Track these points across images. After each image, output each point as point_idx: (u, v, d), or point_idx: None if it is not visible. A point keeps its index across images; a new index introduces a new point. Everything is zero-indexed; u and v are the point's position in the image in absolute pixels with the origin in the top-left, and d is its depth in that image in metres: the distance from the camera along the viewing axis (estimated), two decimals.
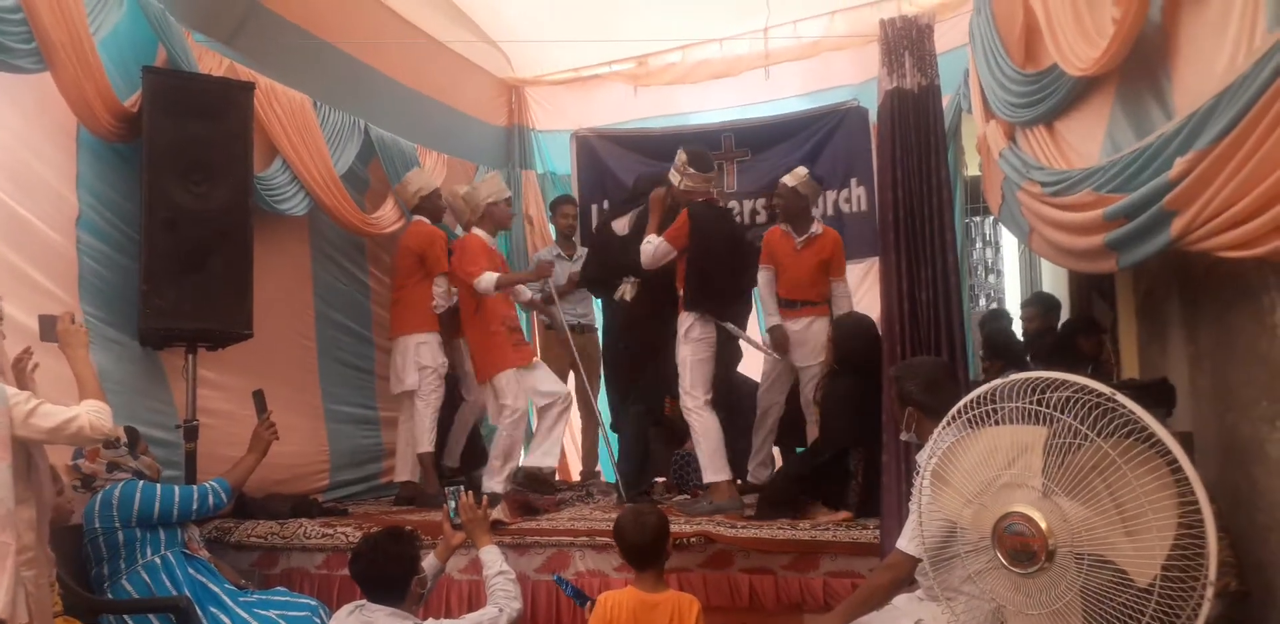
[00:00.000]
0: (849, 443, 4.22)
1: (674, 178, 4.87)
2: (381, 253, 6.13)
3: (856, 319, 4.71)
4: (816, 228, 5.17)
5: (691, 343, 4.68)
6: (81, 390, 2.84)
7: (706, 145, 6.55)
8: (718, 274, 4.70)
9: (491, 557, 3.21)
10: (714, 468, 4.61)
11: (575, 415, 6.54)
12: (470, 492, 3.41)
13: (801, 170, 5.20)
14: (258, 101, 4.67)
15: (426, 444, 5.30)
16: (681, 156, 4.86)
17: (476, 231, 5.21)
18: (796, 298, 5.11)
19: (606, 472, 6.70)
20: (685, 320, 4.69)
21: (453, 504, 3.36)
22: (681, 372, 4.69)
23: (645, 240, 4.81)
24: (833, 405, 4.36)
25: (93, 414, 2.71)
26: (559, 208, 6.48)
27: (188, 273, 4.24)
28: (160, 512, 3.48)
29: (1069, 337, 4.92)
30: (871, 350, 4.42)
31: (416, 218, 5.52)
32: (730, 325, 4.73)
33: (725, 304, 4.78)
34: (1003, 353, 5.36)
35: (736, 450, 5.11)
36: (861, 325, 4.58)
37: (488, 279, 4.95)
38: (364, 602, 2.99)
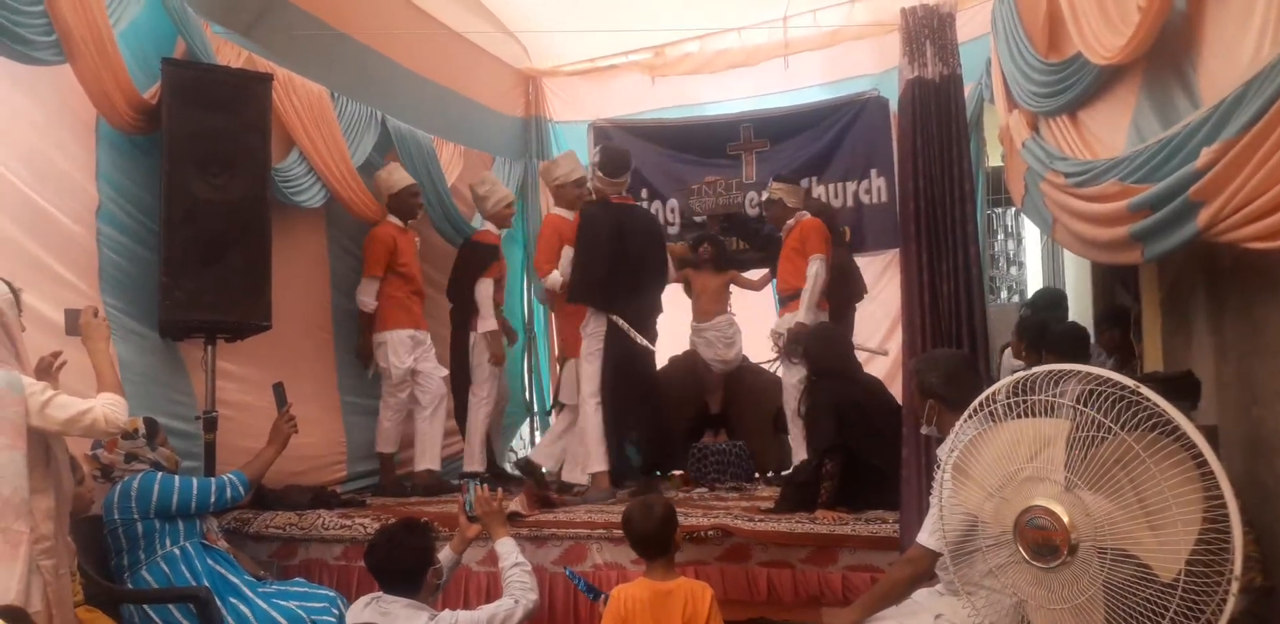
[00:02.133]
0: (828, 447, 4.17)
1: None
2: None
3: (820, 328, 4.81)
4: (793, 220, 5.27)
5: (585, 337, 4.90)
6: (100, 383, 2.86)
7: (725, 135, 6.59)
8: (599, 268, 4.79)
9: (507, 549, 3.22)
10: (593, 460, 4.81)
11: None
12: (486, 484, 3.41)
13: (774, 183, 5.42)
14: (275, 93, 4.68)
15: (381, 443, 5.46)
16: (595, 157, 5.01)
17: (556, 210, 5.29)
18: (784, 292, 5.18)
19: None
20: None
21: (469, 496, 3.36)
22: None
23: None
24: (816, 413, 4.35)
25: (108, 407, 2.72)
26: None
27: (207, 264, 4.26)
28: (178, 503, 3.50)
29: (1078, 328, 4.83)
30: (843, 355, 4.54)
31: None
32: (619, 320, 4.78)
33: (612, 298, 4.81)
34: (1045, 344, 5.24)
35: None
36: (828, 333, 4.71)
37: (555, 277, 5.08)
38: (380, 593, 3.00)
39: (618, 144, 6.72)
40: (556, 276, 5.07)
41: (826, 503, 4.04)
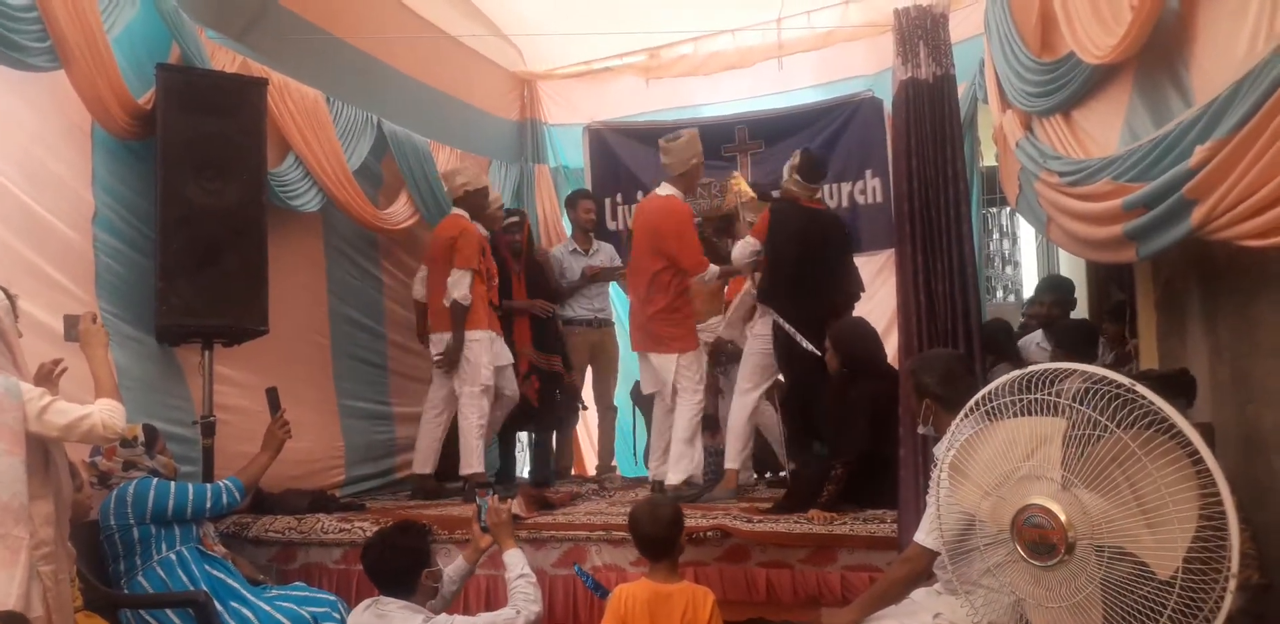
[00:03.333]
0: (864, 448, 4.12)
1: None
2: (395, 248, 6.14)
3: (853, 324, 4.66)
4: None
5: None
6: (98, 389, 2.86)
7: (720, 137, 6.59)
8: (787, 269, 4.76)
9: (514, 560, 3.22)
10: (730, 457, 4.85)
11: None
12: (498, 495, 3.41)
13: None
14: (271, 97, 4.67)
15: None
16: (794, 160, 4.88)
17: (674, 192, 4.89)
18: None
19: (623, 466, 6.71)
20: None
21: (483, 507, 3.36)
22: None
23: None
24: (850, 414, 4.24)
25: (105, 413, 2.72)
26: (578, 202, 6.40)
27: (203, 269, 4.26)
28: (173, 509, 3.50)
29: (1095, 321, 4.85)
30: (876, 351, 4.47)
31: (455, 211, 5.39)
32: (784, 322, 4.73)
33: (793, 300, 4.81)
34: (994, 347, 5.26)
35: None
36: (862, 329, 4.57)
37: (712, 272, 4.86)
38: (379, 597, 3.01)
39: (614, 148, 6.77)
40: (715, 268, 4.86)
41: (825, 504, 4.03)
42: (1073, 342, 4.24)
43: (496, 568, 3.43)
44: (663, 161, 4.97)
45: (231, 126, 4.39)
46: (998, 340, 4.49)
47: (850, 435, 4.17)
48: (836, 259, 4.85)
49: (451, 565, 3.34)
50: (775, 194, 5.34)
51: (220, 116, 4.35)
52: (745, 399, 4.87)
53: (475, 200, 5.37)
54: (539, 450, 6.19)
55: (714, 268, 4.86)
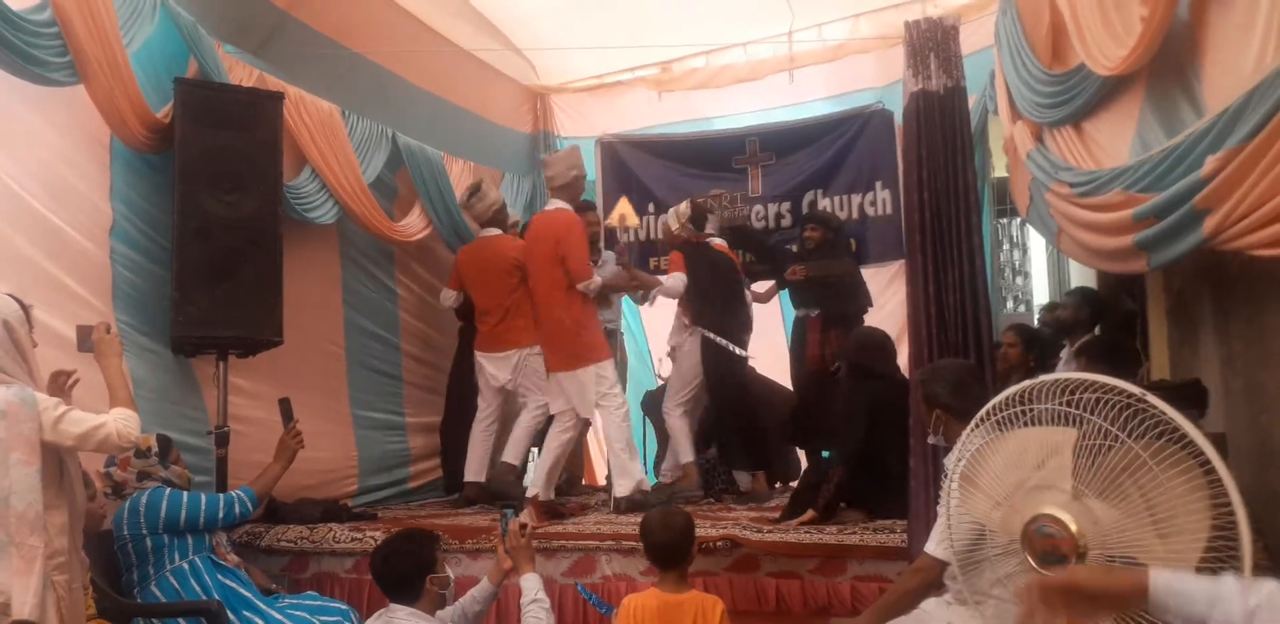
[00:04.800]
0: (858, 450, 4.19)
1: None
2: (410, 260, 6.18)
3: (870, 333, 4.81)
4: None
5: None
6: (112, 399, 2.87)
7: (731, 149, 6.63)
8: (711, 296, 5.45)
9: (530, 584, 3.19)
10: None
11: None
12: (519, 520, 3.40)
13: (681, 207, 5.64)
14: (287, 111, 4.72)
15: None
16: (684, 210, 5.55)
17: (562, 205, 5.03)
18: None
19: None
20: None
21: (505, 527, 3.36)
22: None
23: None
24: (849, 414, 4.34)
25: (120, 422, 2.74)
26: (583, 215, 6.44)
27: (219, 281, 4.29)
28: (186, 519, 3.52)
29: (1115, 335, 4.80)
30: (887, 359, 4.55)
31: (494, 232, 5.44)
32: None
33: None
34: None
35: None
36: (877, 338, 4.69)
37: (598, 280, 4.93)
38: (389, 606, 3.02)
39: (626, 160, 6.80)
40: (599, 280, 4.98)
41: (822, 506, 4.04)
42: (1101, 351, 4.20)
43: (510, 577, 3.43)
44: (545, 175, 5.22)
45: (248, 140, 4.44)
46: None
47: (847, 438, 4.25)
48: (738, 283, 5.61)
49: (476, 587, 3.34)
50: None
51: (237, 130, 4.39)
52: (672, 405, 5.45)
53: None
54: None
55: (597, 279, 4.93)
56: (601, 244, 6.45)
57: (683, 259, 5.40)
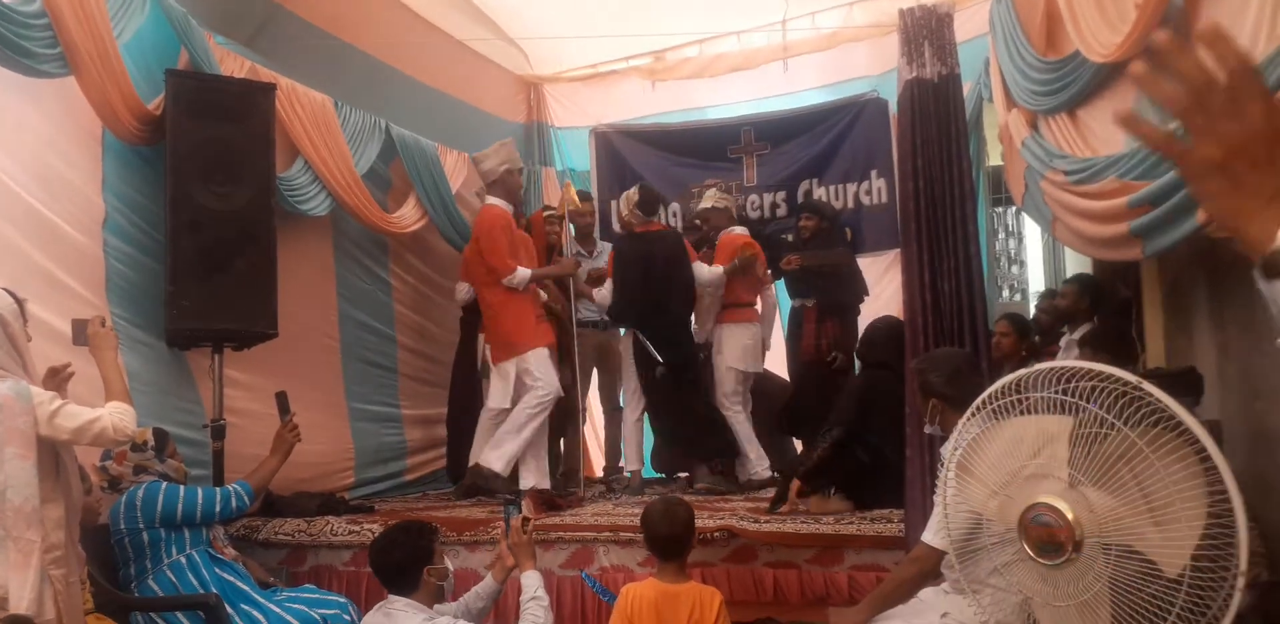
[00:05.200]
0: (839, 428, 4.30)
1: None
2: (404, 251, 6.16)
3: (885, 324, 4.83)
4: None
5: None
6: (108, 393, 2.87)
7: (725, 139, 6.63)
8: (630, 293, 5.44)
9: (531, 581, 3.20)
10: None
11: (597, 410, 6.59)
12: (521, 515, 3.40)
13: (712, 190, 5.79)
14: (279, 103, 4.70)
15: None
16: (634, 195, 5.47)
17: (494, 201, 5.14)
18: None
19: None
20: None
21: (508, 523, 3.37)
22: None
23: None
24: (845, 395, 4.52)
25: (115, 415, 2.74)
26: (551, 221, 6.42)
27: (212, 273, 4.27)
28: (183, 513, 3.51)
29: (1115, 323, 4.79)
30: (898, 351, 4.53)
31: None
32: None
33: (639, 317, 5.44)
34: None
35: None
36: (891, 328, 4.65)
37: (522, 274, 4.96)
38: (389, 597, 3.04)
39: (620, 150, 6.79)
40: (525, 272, 5.01)
41: (803, 474, 4.14)
42: (1103, 341, 4.20)
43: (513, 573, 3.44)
44: (479, 171, 5.32)
45: (240, 131, 4.41)
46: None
47: (838, 414, 4.37)
48: (678, 272, 5.40)
49: (480, 583, 3.35)
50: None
51: (229, 121, 4.37)
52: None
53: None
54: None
55: (523, 272, 4.96)
56: (597, 234, 6.45)
57: (611, 257, 5.53)
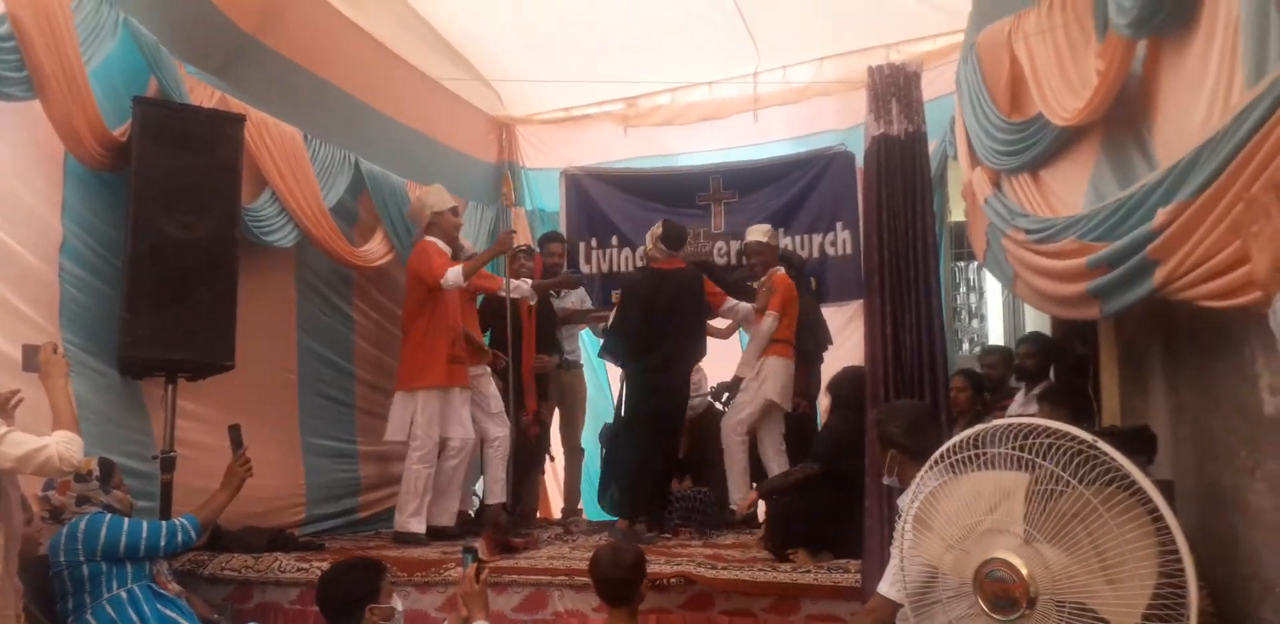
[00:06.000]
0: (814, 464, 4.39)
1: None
2: (369, 285, 6.12)
3: (851, 371, 4.82)
4: (768, 275, 5.53)
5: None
6: (56, 421, 2.81)
7: (694, 186, 6.70)
8: (629, 327, 5.34)
9: None
10: None
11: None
12: (476, 563, 3.32)
13: (764, 226, 5.70)
14: (248, 134, 4.68)
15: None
16: (657, 230, 5.34)
17: (431, 239, 5.22)
18: None
19: (589, 509, 6.64)
20: None
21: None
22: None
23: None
24: (821, 436, 4.63)
25: (62, 445, 2.67)
26: (545, 246, 6.43)
27: (171, 302, 4.21)
28: (126, 546, 3.42)
29: (1073, 381, 4.86)
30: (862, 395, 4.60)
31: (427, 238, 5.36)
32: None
33: (634, 353, 5.35)
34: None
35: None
36: (857, 374, 4.71)
37: (454, 271, 4.96)
38: None
39: (590, 193, 6.84)
40: (456, 267, 5.00)
41: (766, 491, 4.43)
42: (1063, 397, 4.25)
43: (451, 612, 3.37)
44: (414, 218, 5.54)
45: (207, 161, 4.39)
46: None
47: (816, 449, 4.47)
48: (688, 313, 5.28)
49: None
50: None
51: (196, 151, 4.35)
52: None
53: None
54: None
55: (453, 270, 4.97)
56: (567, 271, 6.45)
57: (621, 293, 5.52)
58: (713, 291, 5.38)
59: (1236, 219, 2.04)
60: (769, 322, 5.32)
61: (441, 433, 5.09)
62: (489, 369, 5.56)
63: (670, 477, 5.62)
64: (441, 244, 5.20)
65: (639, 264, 6.71)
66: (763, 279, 5.52)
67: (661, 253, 5.36)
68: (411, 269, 5.19)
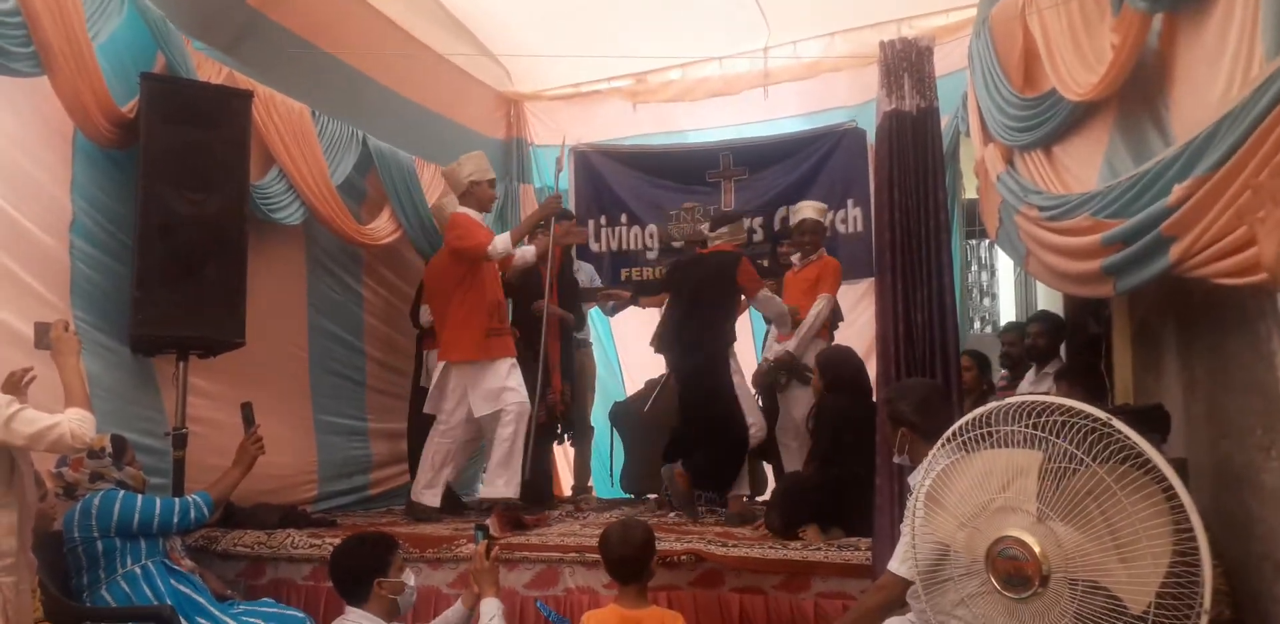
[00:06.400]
0: (821, 459, 4.37)
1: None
2: (378, 263, 6.12)
3: (833, 350, 4.95)
4: (817, 255, 5.37)
5: None
6: (68, 398, 2.82)
7: (704, 163, 6.66)
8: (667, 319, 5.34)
9: (488, 609, 3.15)
10: None
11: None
12: (487, 540, 3.35)
13: (819, 203, 5.53)
14: (256, 110, 4.67)
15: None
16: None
17: (463, 209, 5.09)
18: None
19: (599, 487, 6.68)
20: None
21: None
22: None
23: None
24: (817, 427, 4.54)
25: (74, 422, 2.68)
26: (558, 223, 6.39)
27: (181, 279, 4.22)
28: (139, 523, 3.45)
29: (1087, 359, 4.84)
30: (854, 375, 4.62)
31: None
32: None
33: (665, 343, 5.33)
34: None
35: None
36: (840, 354, 4.80)
37: (501, 238, 4.84)
38: (346, 610, 3.03)
39: (599, 170, 6.80)
40: (504, 234, 4.90)
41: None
42: (1079, 375, 4.24)
43: (464, 587, 3.39)
44: (449, 183, 5.29)
45: (215, 137, 4.38)
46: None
47: (815, 444, 4.48)
48: (718, 299, 5.04)
49: (451, 608, 3.32)
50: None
51: (204, 127, 4.33)
52: None
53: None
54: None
55: (500, 237, 4.86)
56: (574, 253, 6.44)
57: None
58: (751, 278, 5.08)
59: (1244, 206, 2.02)
60: (824, 305, 5.21)
61: (488, 408, 4.89)
62: None
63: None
64: (474, 214, 5.08)
65: (648, 243, 6.69)
66: (812, 258, 5.41)
67: (703, 236, 5.38)
68: (452, 243, 4.97)
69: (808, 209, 5.48)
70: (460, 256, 4.96)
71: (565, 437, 6.26)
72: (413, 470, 5.71)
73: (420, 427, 5.54)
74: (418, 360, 5.83)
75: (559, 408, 5.69)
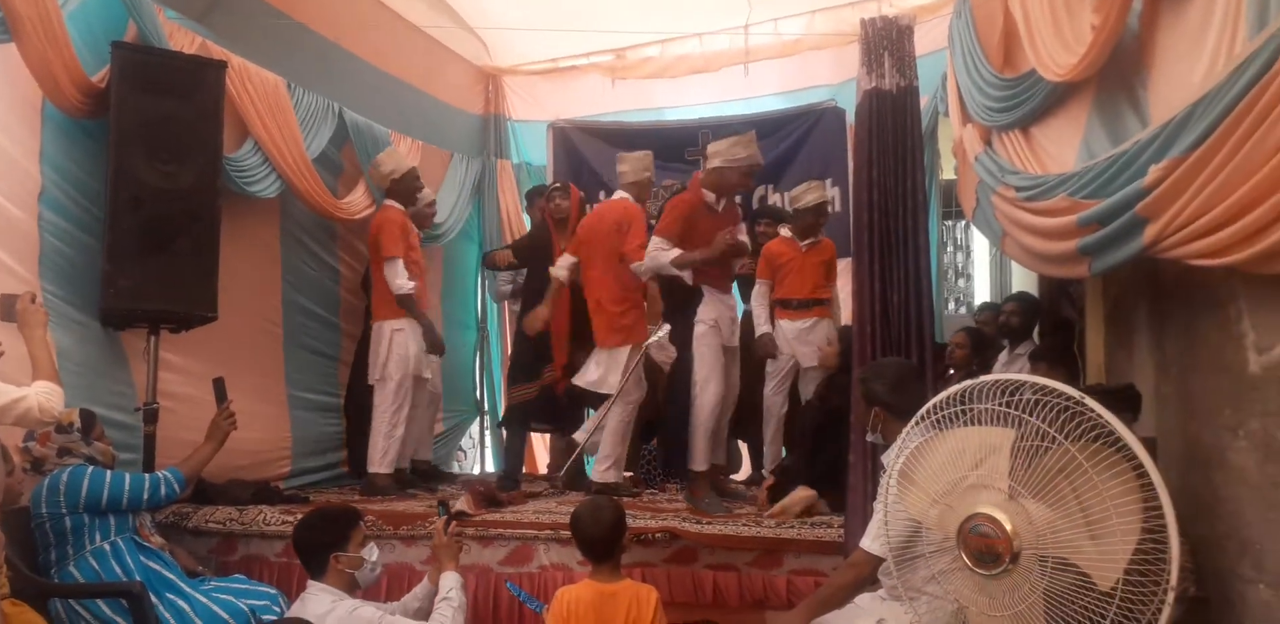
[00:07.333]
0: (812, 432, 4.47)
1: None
2: (353, 238, 6.06)
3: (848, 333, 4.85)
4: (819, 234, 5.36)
5: None
6: (36, 371, 2.78)
7: (684, 140, 6.64)
8: None
9: (447, 582, 3.21)
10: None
11: None
12: (446, 516, 3.39)
13: (816, 182, 5.42)
14: (230, 81, 4.59)
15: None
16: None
17: (390, 203, 5.25)
18: (806, 297, 5.24)
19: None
20: None
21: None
22: None
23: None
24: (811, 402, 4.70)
25: (42, 395, 2.65)
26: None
27: (152, 252, 4.16)
28: (109, 499, 3.40)
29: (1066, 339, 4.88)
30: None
31: (387, 202, 5.34)
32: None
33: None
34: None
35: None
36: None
37: (647, 263, 4.73)
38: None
39: (578, 146, 6.75)
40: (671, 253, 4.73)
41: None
42: (1058, 355, 4.29)
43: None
44: (618, 170, 5.17)
45: (188, 108, 4.30)
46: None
47: (803, 422, 4.63)
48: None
49: (419, 584, 3.37)
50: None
51: (177, 98, 4.26)
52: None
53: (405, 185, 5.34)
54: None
55: (646, 261, 4.78)
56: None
57: None
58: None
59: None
60: (763, 289, 5.30)
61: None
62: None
63: (649, 432, 5.64)
64: (400, 207, 5.28)
65: None
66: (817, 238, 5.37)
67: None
68: (621, 226, 4.92)
69: (817, 190, 5.38)
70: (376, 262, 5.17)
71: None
72: (351, 447, 5.70)
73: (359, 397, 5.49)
74: (366, 328, 5.65)
75: (560, 385, 5.46)
